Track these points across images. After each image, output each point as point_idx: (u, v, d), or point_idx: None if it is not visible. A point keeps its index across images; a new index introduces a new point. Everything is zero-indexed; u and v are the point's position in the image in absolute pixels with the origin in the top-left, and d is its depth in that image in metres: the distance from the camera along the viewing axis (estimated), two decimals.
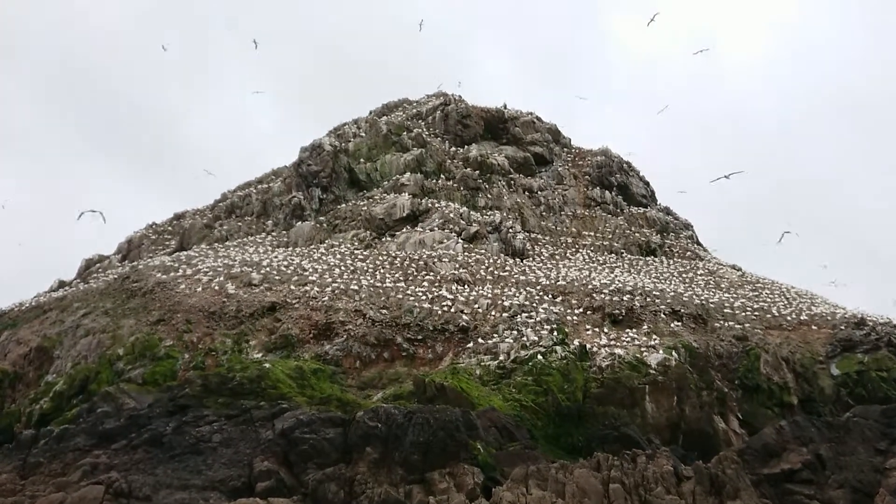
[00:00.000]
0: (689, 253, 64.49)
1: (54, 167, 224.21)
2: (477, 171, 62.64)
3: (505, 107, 74.19)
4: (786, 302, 50.04)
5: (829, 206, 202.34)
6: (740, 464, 19.08)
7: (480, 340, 37.28)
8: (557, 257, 56.17)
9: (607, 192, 68.58)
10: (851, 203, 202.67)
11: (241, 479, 26.82)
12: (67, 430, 30.15)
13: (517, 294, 42.73)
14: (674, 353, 36.09)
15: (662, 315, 42.36)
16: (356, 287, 42.27)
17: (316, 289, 41.61)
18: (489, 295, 42.32)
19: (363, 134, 65.99)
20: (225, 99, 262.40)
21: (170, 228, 69.57)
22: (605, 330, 39.65)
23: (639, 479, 18.74)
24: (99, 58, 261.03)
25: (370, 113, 73.76)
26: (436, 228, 52.42)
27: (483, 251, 51.04)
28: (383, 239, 52.91)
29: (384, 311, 39.23)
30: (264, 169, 77.14)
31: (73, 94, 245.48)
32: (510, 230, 55.24)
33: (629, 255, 59.39)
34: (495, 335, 37.44)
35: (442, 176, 61.85)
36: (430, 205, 55.69)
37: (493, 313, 39.98)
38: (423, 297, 40.91)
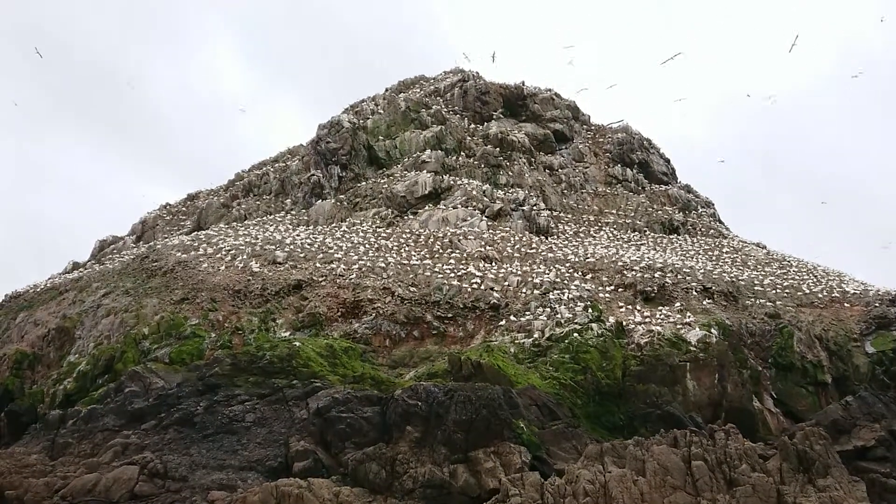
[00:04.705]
0: (711, 231, 63.52)
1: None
2: (497, 149, 61.40)
3: (524, 83, 72.82)
4: (815, 279, 49.06)
5: None
6: (828, 439, 18.14)
7: (512, 318, 36.39)
8: (582, 235, 55.21)
9: (628, 169, 67.47)
10: None
11: (277, 459, 26.14)
12: (95, 410, 29.50)
13: (547, 271, 41.78)
14: (713, 330, 35.17)
15: (694, 292, 41.42)
16: (383, 265, 41.36)
17: (342, 266, 40.70)
18: (518, 272, 41.38)
19: (381, 111, 64.76)
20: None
21: (184, 209, 68.79)
22: (638, 307, 38.74)
23: (721, 455, 17.82)
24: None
25: (386, 90, 72.46)
26: (459, 206, 51.33)
27: (508, 228, 50.00)
28: (405, 217, 51.87)
29: (413, 288, 38.35)
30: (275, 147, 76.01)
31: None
32: (534, 207, 54.18)
33: (652, 234, 58.42)
34: (528, 313, 36.54)
35: (462, 153, 60.68)
36: (451, 182, 54.53)
37: (523, 291, 39.04)
38: (452, 275, 40.01)
